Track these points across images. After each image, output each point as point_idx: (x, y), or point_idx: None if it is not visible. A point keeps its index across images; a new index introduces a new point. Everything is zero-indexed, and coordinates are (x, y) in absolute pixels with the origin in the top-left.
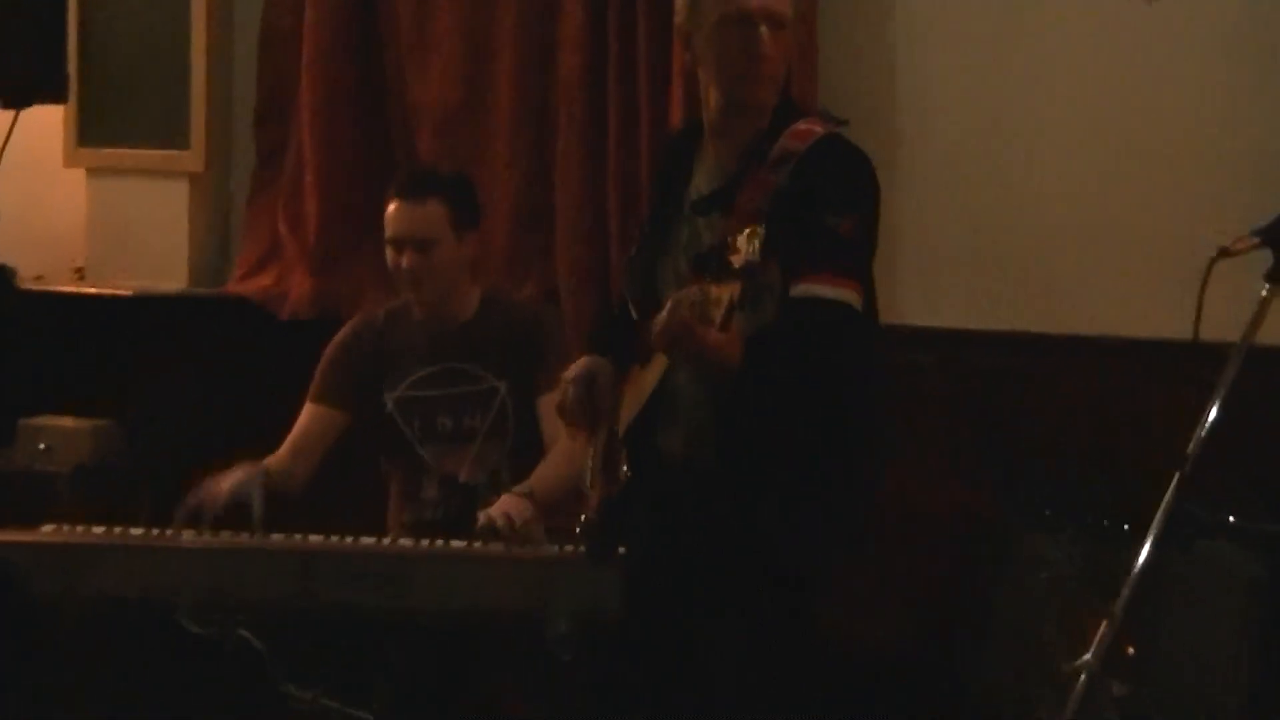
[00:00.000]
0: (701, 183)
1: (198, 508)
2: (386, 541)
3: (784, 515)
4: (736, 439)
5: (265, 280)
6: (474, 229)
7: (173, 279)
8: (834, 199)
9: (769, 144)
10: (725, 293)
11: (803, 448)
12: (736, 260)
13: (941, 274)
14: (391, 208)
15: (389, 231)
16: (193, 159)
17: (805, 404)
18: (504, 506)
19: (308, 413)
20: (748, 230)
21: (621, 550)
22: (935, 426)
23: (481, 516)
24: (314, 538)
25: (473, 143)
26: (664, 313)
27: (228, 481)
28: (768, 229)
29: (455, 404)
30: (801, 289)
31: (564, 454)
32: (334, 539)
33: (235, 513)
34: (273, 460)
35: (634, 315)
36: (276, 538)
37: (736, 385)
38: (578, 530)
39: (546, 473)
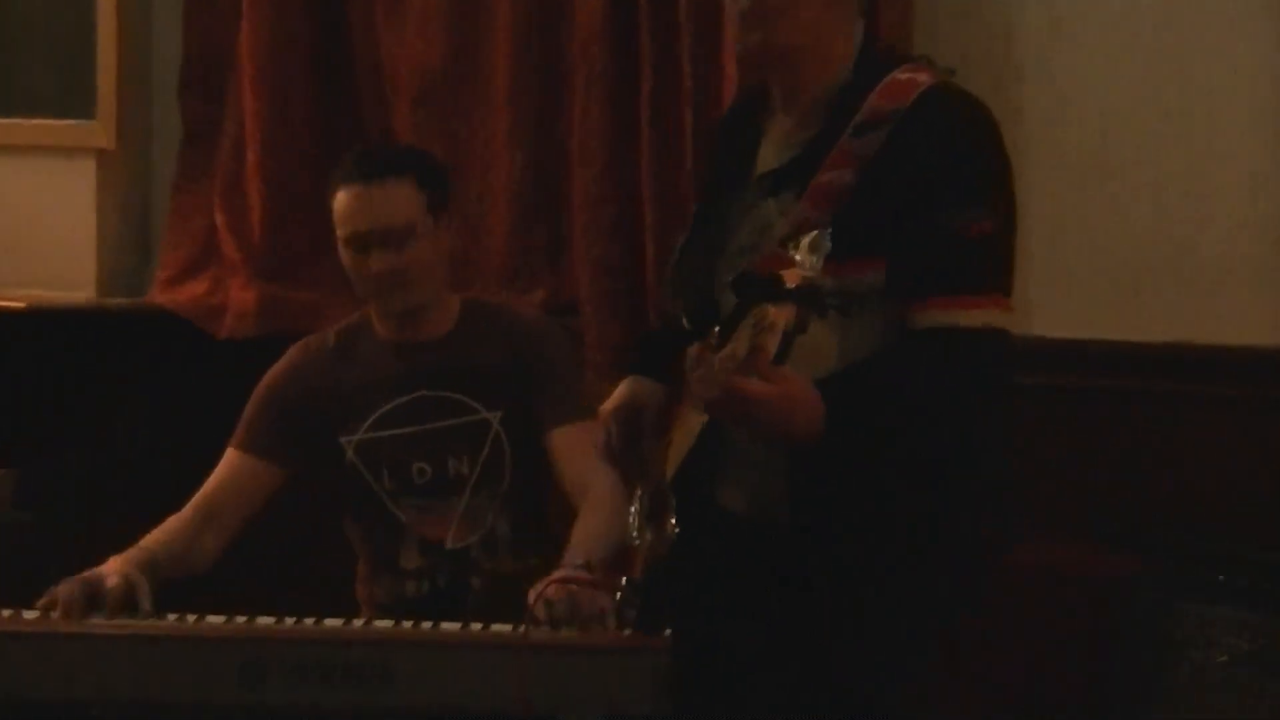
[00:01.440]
0: (770, 154)
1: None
2: (357, 625)
3: (882, 602)
4: (820, 498)
5: (196, 289)
6: (449, 215)
7: (77, 286)
8: (958, 187)
9: (855, 101)
10: (781, 318)
11: (916, 511)
12: (791, 279)
13: (1061, 273)
14: (343, 197)
15: (346, 228)
16: (100, 131)
17: (926, 458)
18: (567, 587)
19: (228, 464)
20: (811, 236)
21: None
22: (1049, 465)
23: (533, 596)
24: (262, 621)
25: (462, 115)
26: (690, 370)
27: (87, 576)
28: (850, 222)
29: (435, 444)
30: (930, 317)
31: (606, 502)
32: (288, 622)
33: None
34: (161, 539)
35: (685, 325)
36: (213, 621)
37: (831, 431)
38: (616, 598)
39: (593, 531)
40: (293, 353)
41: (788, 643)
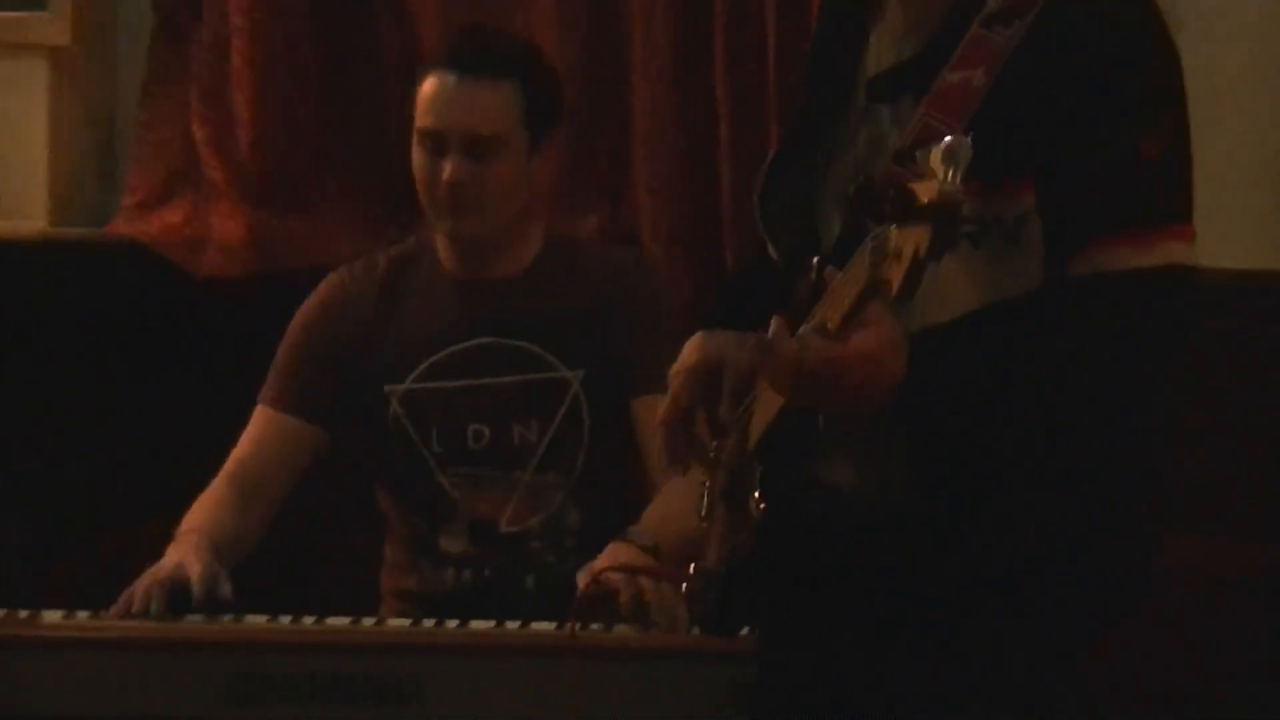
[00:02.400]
0: (881, 53)
1: (134, 608)
2: (368, 624)
3: (1023, 605)
4: (949, 474)
5: (171, 217)
6: (553, 134)
7: (25, 214)
8: (1122, 94)
9: None
10: (909, 242)
11: (1070, 493)
12: (925, 193)
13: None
14: (431, 86)
15: (428, 119)
16: (54, 24)
17: (1087, 426)
18: (616, 557)
19: (261, 426)
20: (947, 142)
21: (746, 630)
22: (1226, 431)
23: (584, 576)
24: (254, 620)
25: (499, 3)
26: (769, 341)
27: (170, 572)
28: (985, 134)
29: (498, 403)
30: (1092, 261)
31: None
32: (285, 621)
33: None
34: (209, 522)
35: (776, 261)
36: (194, 622)
37: (954, 389)
38: (683, 591)
39: (673, 512)
40: (332, 283)
41: (900, 651)
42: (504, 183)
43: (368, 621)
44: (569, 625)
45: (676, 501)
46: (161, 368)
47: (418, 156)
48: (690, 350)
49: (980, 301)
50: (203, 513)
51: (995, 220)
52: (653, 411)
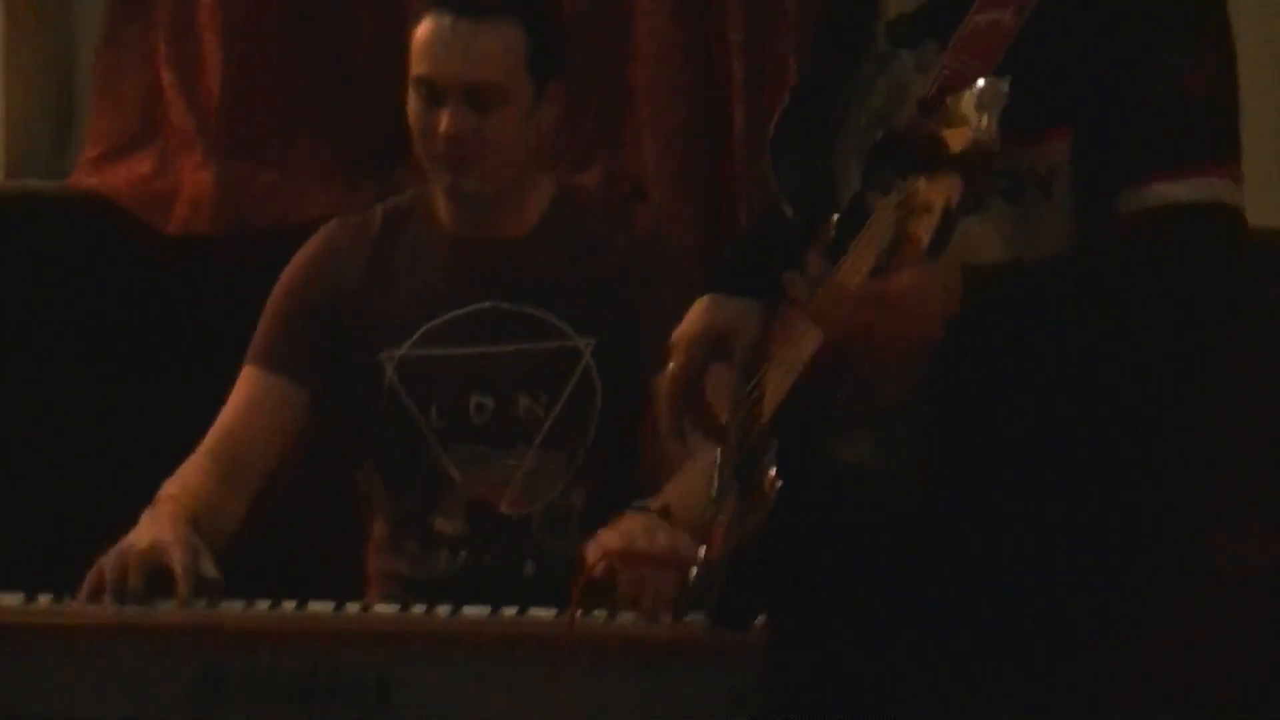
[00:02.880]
0: None
1: (105, 589)
2: (363, 610)
3: (1058, 598)
4: (979, 450)
5: (137, 168)
6: (557, 79)
7: None
8: (1164, 26)
9: None
10: (939, 195)
11: (1113, 470)
12: (956, 141)
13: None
14: (427, 29)
15: (424, 66)
16: None
17: (1132, 392)
18: (625, 535)
19: (249, 388)
20: (980, 86)
21: (761, 620)
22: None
23: (593, 550)
24: (229, 606)
25: None
26: (794, 290)
27: (145, 551)
28: (1016, 79)
29: (503, 373)
30: (1137, 198)
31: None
32: (263, 607)
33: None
34: (191, 494)
35: (790, 220)
36: (164, 608)
37: (985, 352)
38: (690, 579)
39: (687, 484)
40: (325, 236)
41: (923, 646)
42: (507, 135)
43: (353, 607)
44: (568, 614)
45: (697, 475)
46: (128, 330)
47: (413, 105)
48: (695, 316)
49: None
50: (182, 482)
51: (1029, 172)
52: None
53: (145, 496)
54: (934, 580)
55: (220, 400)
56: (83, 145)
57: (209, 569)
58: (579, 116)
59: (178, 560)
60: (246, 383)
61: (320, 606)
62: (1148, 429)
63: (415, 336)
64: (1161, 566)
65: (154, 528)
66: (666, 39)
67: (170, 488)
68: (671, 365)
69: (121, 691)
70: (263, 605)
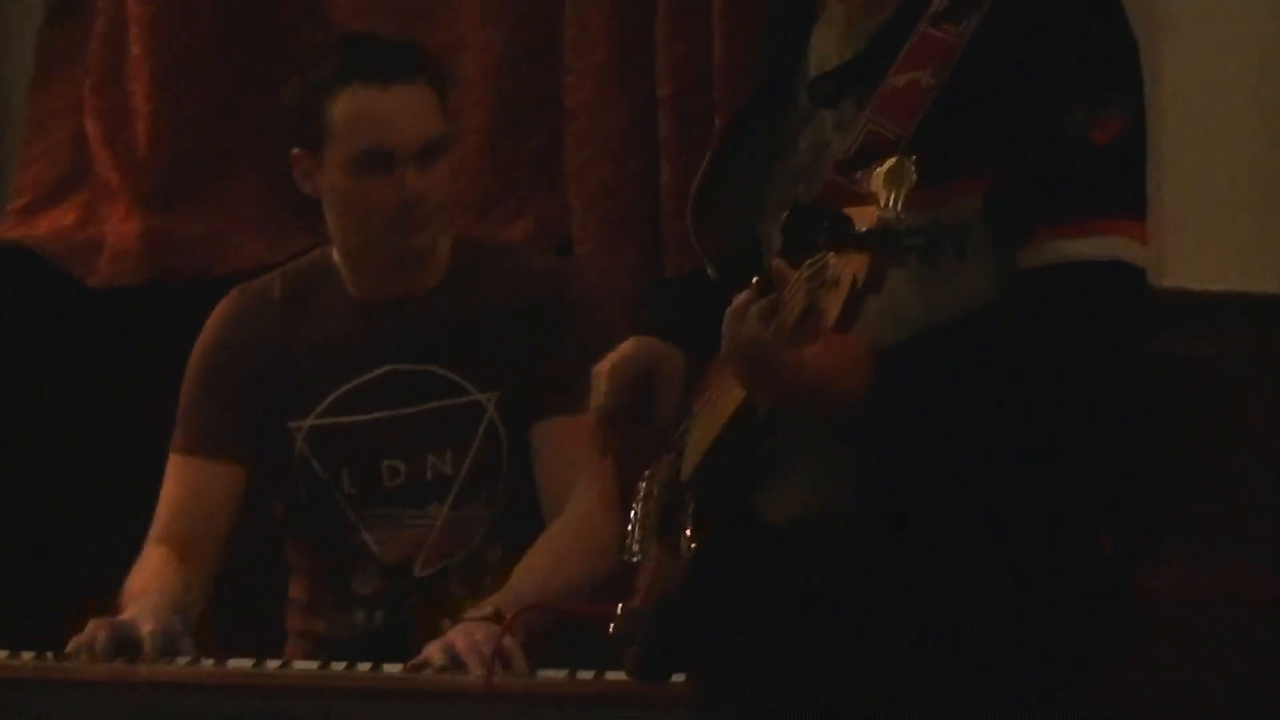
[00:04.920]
0: (826, 49)
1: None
2: (282, 666)
3: (984, 628)
4: (902, 501)
5: (61, 219)
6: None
7: None
8: (1076, 78)
9: None
10: (847, 271)
11: (1035, 514)
12: (863, 220)
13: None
14: (355, 102)
15: (371, 139)
16: None
17: (1046, 439)
18: (456, 637)
19: (181, 477)
20: (890, 164)
21: (679, 675)
22: (1221, 455)
23: (427, 652)
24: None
25: None
26: (729, 326)
27: (139, 625)
28: (934, 137)
29: (411, 435)
30: (1045, 249)
31: (572, 532)
32: (183, 662)
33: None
34: (163, 584)
35: (713, 276)
36: (80, 661)
37: (905, 407)
38: (611, 633)
39: (537, 564)
40: (226, 310)
41: (854, 698)
42: (446, 186)
43: (272, 664)
44: (486, 670)
45: (548, 552)
46: (50, 383)
47: (347, 182)
48: (623, 349)
49: (931, 319)
50: (149, 574)
51: (943, 231)
52: (551, 437)
53: (60, 546)
54: (860, 633)
55: (142, 452)
56: (8, 197)
57: (185, 647)
58: (508, 169)
59: (148, 633)
60: (184, 472)
61: (239, 662)
62: (1068, 477)
63: (322, 406)
64: (1087, 603)
65: (134, 612)
66: (595, 94)
67: (139, 581)
68: (596, 394)
69: None
70: (183, 660)
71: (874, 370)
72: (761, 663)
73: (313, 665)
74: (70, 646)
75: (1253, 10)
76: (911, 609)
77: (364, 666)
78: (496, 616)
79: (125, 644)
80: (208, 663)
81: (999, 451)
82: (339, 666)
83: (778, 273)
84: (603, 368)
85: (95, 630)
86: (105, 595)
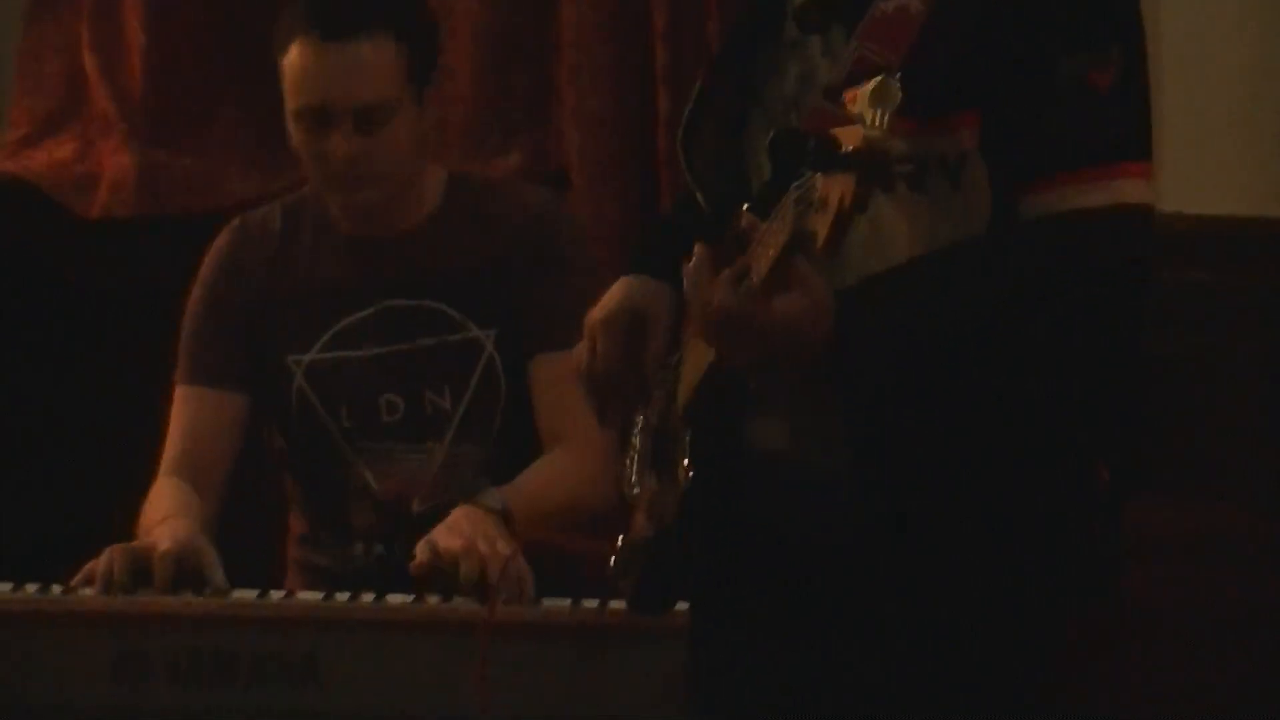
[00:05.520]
0: None
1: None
2: (275, 597)
3: (979, 577)
4: (891, 434)
5: (58, 152)
6: (435, 75)
7: None
8: (1074, 18)
9: None
10: (834, 192)
11: (1027, 453)
12: (848, 139)
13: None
14: (298, 56)
15: (300, 98)
16: None
17: (1041, 378)
18: (459, 523)
19: (187, 407)
20: (874, 84)
21: (680, 604)
22: (1215, 396)
23: (419, 550)
24: (146, 594)
25: None
26: (690, 283)
27: (171, 549)
28: (925, 65)
29: (409, 371)
30: (1044, 202)
31: (573, 456)
32: (181, 596)
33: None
34: (185, 512)
35: (703, 207)
36: (82, 596)
37: (893, 342)
38: (610, 565)
39: (536, 479)
40: (227, 240)
41: (842, 628)
42: (400, 148)
43: (276, 595)
44: (490, 601)
45: (551, 469)
46: (48, 318)
47: (295, 134)
48: (610, 297)
49: (921, 248)
50: (170, 502)
51: (936, 160)
52: (552, 370)
53: (64, 481)
54: (851, 563)
55: (141, 383)
56: (3, 129)
57: (215, 573)
58: (501, 102)
59: (164, 550)
60: (190, 403)
61: (245, 593)
62: (1054, 412)
63: (321, 341)
64: (1077, 543)
65: (159, 533)
66: (590, 25)
67: (158, 510)
68: (584, 346)
69: (42, 668)
70: (186, 592)
71: (833, 324)
72: (753, 597)
73: (316, 596)
74: (79, 577)
75: None
76: (900, 543)
77: (367, 597)
78: (504, 514)
79: (145, 572)
80: (209, 595)
81: (991, 386)
82: (342, 597)
83: (747, 227)
84: (594, 317)
85: (111, 557)
86: (103, 534)
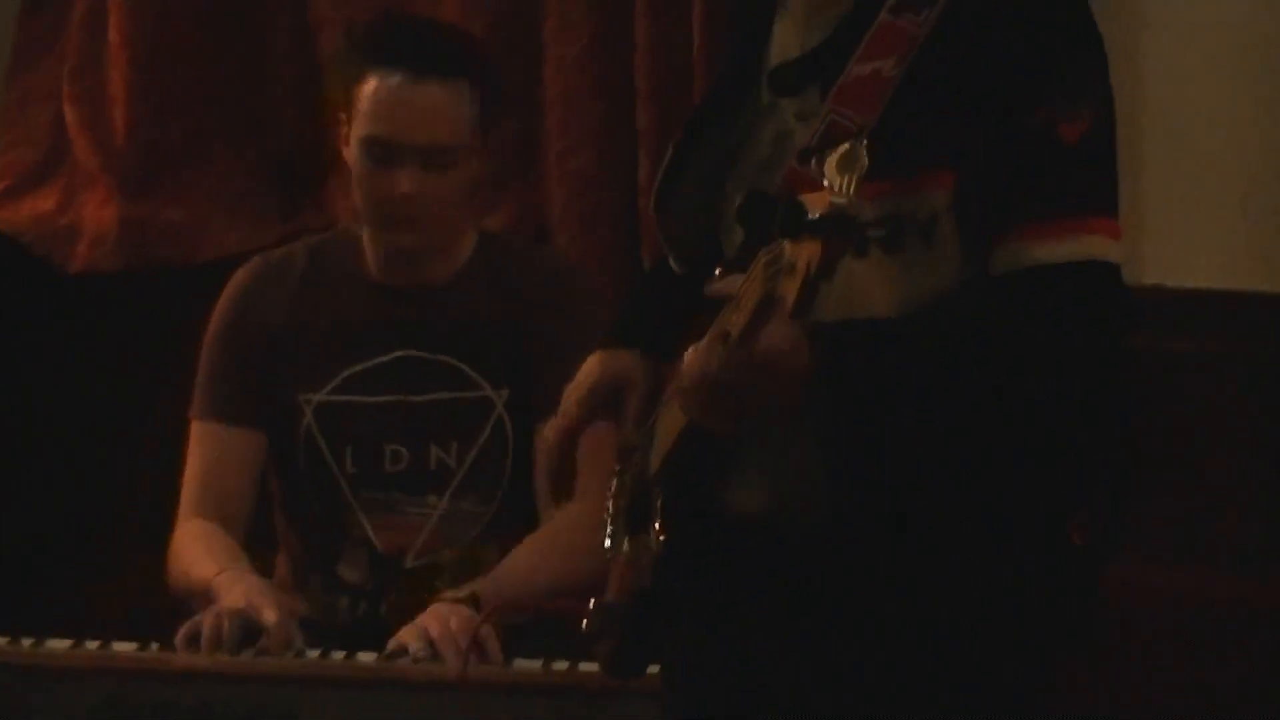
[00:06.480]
0: (788, 39)
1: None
2: (246, 655)
3: (952, 620)
4: (869, 494)
5: (40, 205)
6: (496, 132)
7: None
8: (1045, 73)
9: None
10: (803, 257)
11: (1004, 511)
12: (815, 205)
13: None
14: (378, 89)
15: (379, 127)
16: None
17: (1017, 435)
18: (427, 623)
19: (214, 444)
20: (842, 149)
21: (654, 669)
22: (1196, 456)
23: (396, 640)
24: (121, 648)
25: None
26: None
27: (268, 607)
28: (898, 127)
29: (418, 422)
30: (1014, 254)
31: (565, 526)
32: (154, 650)
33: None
34: (233, 556)
35: (676, 270)
36: (56, 647)
37: (871, 392)
38: (584, 627)
39: (520, 562)
40: (248, 273)
41: (819, 691)
42: (458, 193)
43: (246, 653)
44: (461, 660)
45: (541, 546)
46: (30, 370)
47: (358, 164)
48: (588, 370)
49: (895, 309)
50: (215, 550)
51: (909, 220)
52: None
53: (48, 531)
54: (824, 620)
55: (119, 437)
56: None
57: (298, 637)
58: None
59: (272, 621)
60: (209, 440)
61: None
62: (1024, 468)
63: (335, 382)
64: (1049, 598)
65: (240, 589)
66: (574, 84)
67: (206, 560)
68: (555, 420)
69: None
70: (156, 646)
71: (808, 359)
72: (730, 660)
73: (286, 655)
74: (181, 636)
75: (1231, 10)
76: (877, 604)
77: (338, 655)
78: (473, 600)
79: (250, 634)
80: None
81: (966, 445)
82: (313, 655)
83: (719, 292)
84: (570, 396)
85: (218, 621)
86: (84, 581)
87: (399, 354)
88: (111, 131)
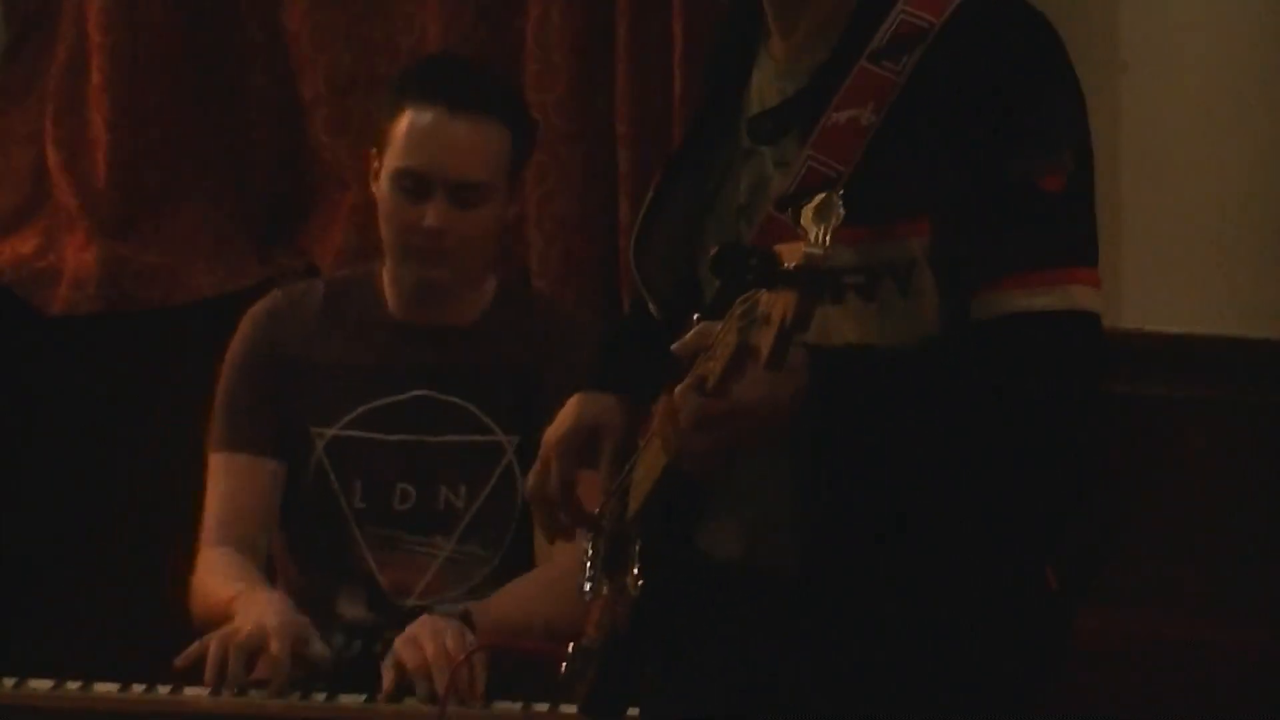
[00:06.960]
0: (765, 87)
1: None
2: (227, 696)
3: (926, 663)
4: (843, 539)
5: (21, 247)
6: (523, 173)
7: None
8: (1024, 124)
9: (875, 15)
10: (778, 308)
11: (977, 559)
12: (790, 256)
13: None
14: (418, 120)
15: (413, 159)
16: None
17: (992, 483)
18: (420, 635)
19: (236, 475)
20: (818, 200)
21: (632, 711)
22: (1176, 499)
23: (385, 675)
24: (103, 688)
25: (381, 10)
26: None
27: (275, 635)
28: (876, 174)
29: (429, 463)
30: (993, 303)
31: (560, 569)
32: (139, 690)
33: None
34: (255, 575)
35: (655, 314)
36: (37, 688)
37: (846, 441)
38: (563, 669)
39: (516, 595)
40: (264, 307)
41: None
42: (485, 231)
43: (226, 693)
44: (440, 704)
45: (537, 580)
46: (9, 412)
47: (387, 196)
48: (566, 413)
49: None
50: (233, 574)
51: (886, 267)
52: None
53: (29, 572)
54: (800, 665)
55: (98, 477)
56: None
57: (317, 648)
58: None
59: (276, 648)
60: (228, 470)
61: (195, 690)
62: (999, 515)
63: (349, 417)
64: (1022, 644)
65: (255, 612)
66: (553, 128)
67: (227, 584)
68: (536, 467)
69: None
70: (140, 687)
71: (804, 374)
72: (707, 704)
73: (263, 694)
74: (185, 658)
75: (1207, 52)
76: (851, 649)
77: (319, 696)
78: (465, 618)
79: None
80: (163, 690)
81: (941, 490)
82: (294, 695)
83: (687, 347)
84: (549, 440)
85: (223, 653)
86: (64, 621)
87: (416, 393)
88: (93, 174)
